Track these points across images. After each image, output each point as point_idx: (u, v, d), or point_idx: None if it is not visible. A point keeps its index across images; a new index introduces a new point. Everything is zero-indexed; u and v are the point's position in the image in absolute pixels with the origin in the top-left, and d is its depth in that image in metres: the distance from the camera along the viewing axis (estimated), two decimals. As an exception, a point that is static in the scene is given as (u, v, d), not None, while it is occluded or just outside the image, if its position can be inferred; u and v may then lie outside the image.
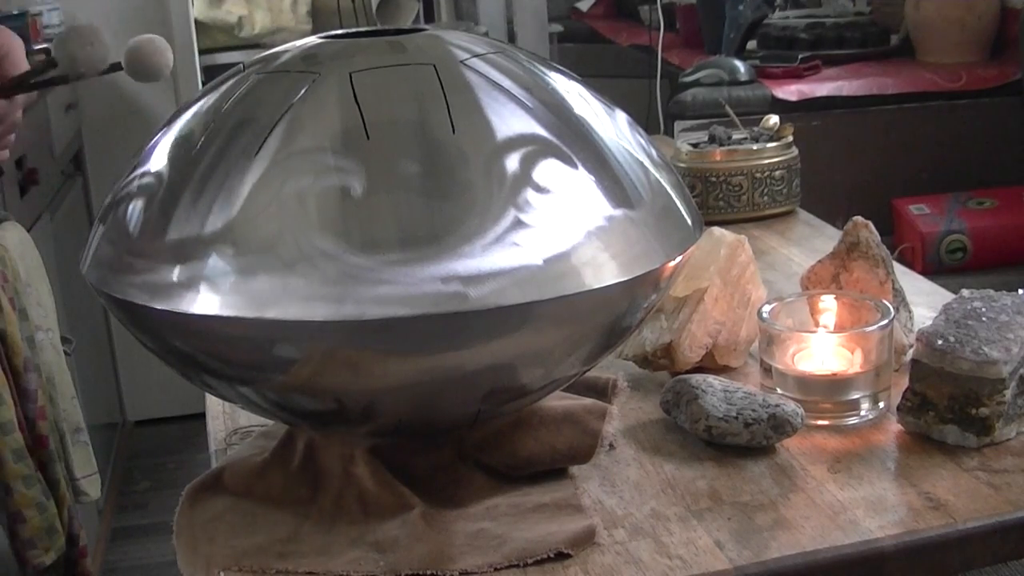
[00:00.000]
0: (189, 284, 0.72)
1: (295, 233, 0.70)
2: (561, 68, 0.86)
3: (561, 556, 0.74)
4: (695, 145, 1.52)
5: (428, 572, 0.73)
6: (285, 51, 0.83)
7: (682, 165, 1.49)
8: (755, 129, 1.54)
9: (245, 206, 0.72)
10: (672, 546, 0.75)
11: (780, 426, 0.85)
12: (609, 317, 0.77)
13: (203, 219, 0.73)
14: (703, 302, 0.97)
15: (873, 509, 0.78)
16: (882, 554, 0.74)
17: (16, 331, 1.30)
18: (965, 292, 0.93)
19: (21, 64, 0.86)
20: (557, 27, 3.27)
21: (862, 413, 0.90)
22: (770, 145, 1.49)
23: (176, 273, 0.72)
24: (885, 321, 0.91)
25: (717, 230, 1.03)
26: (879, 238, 1.02)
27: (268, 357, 0.73)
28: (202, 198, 0.73)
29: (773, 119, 1.54)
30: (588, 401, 0.88)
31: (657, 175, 0.81)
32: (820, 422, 0.89)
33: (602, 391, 0.93)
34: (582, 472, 0.84)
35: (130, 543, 2.36)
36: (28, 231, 1.53)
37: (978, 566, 0.77)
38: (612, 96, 0.86)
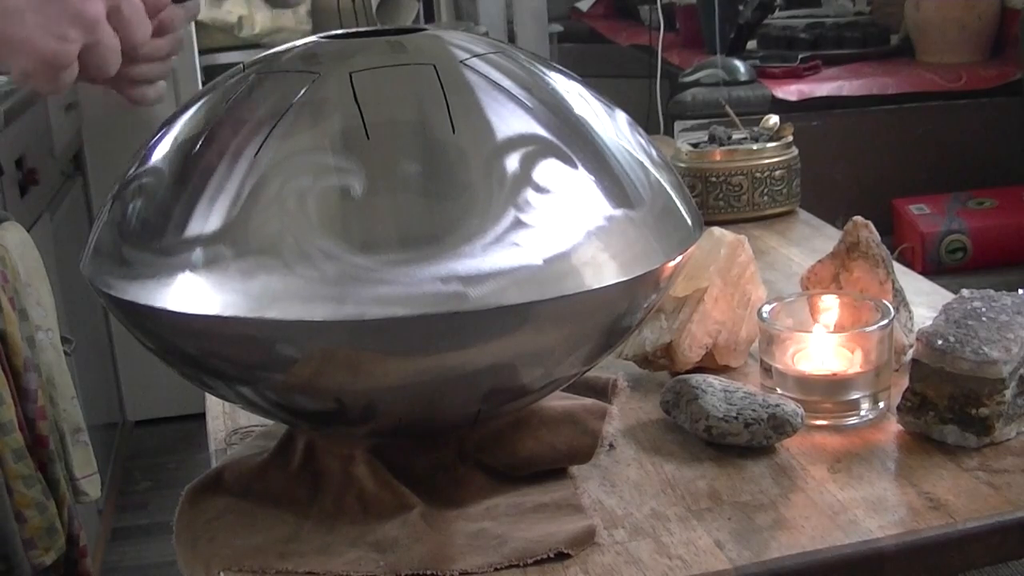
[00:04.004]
0: (189, 284, 0.72)
1: (295, 233, 0.70)
2: (561, 68, 0.86)
3: (561, 556, 0.74)
4: (695, 145, 1.52)
5: (428, 572, 0.73)
6: (285, 51, 0.83)
7: (682, 165, 1.49)
8: (755, 129, 1.54)
9: (245, 206, 0.72)
10: (672, 546, 0.75)
11: (780, 426, 0.85)
12: (609, 317, 0.77)
13: (203, 219, 0.73)
14: (703, 302, 0.97)
15: (873, 509, 0.78)
16: (882, 554, 0.74)
17: (16, 331, 1.30)
18: (965, 292, 0.93)
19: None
20: (557, 27, 3.27)
21: (862, 413, 0.90)
22: (770, 145, 1.49)
23: (176, 273, 0.72)
24: (885, 321, 0.91)
25: (717, 230, 1.03)
26: (879, 238, 1.02)
27: (268, 357, 0.73)
28: (202, 198, 0.73)
29: (773, 119, 1.54)
30: (588, 401, 0.88)
31: (657, 175, 0.81)
32: (820, 422, 0.89)
33: (602, 391, 0.93)
34: (582, 472, 0.84)
35: (130, 543, 2.36)
36: (28, 231, 1.53)
37: (978, 566, 0.77)
38: (612, 96, 0.86)
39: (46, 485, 1.31)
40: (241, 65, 0.83)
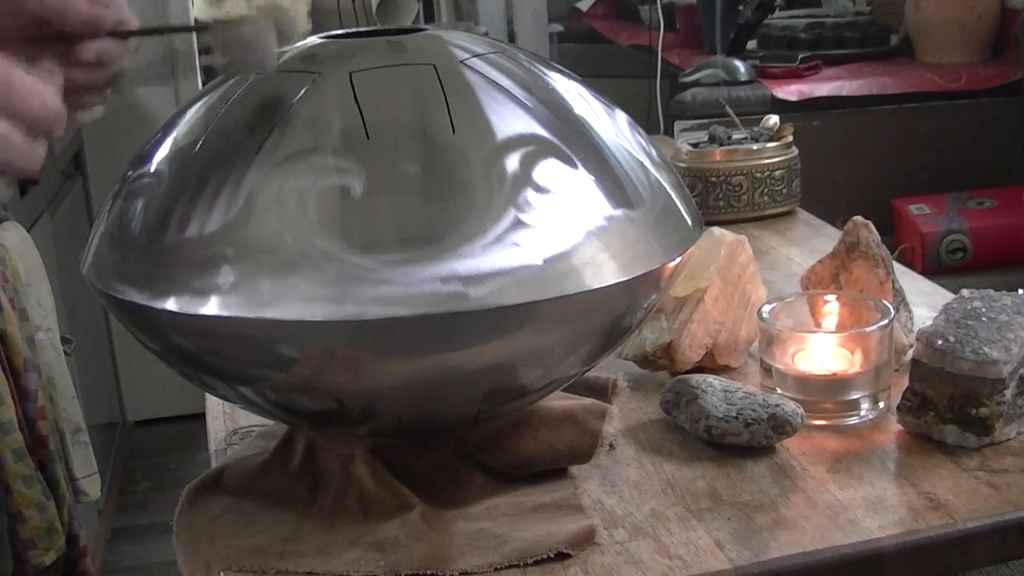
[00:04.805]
0: (189, 284, 0.71)
1: (295, 233, 0.70)
2: (561, 68, 0.86)
3: (561, 556, 0.74)
4: (695, 145, 1.52)
5: (428, 572, 0.73)
6: (285, 51, 0.83)
7: (682, 165, 1.49)
8: (755, 129, 1.54)
9: (245, 206, 0.72)
10: (672, 546, 0.75)
11: (780, 426, 0.85)
12: (609, 317, 0.77)
13: (203, 219, 0.72)
14: (703, 302, 0.97)
15: (873, 509, 0.78)
16: (882, 554, 0.74)
17: (16, 331, 1.30)
18: (965, 292, 0.93)
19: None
20: (557, 27, 3.27)
21: (862, 413, 0.90)
22: (770, 145, 1.49)
23: (176, 273, 0.72)
24: (885, 321, 0.91)
25: (717, 230, 1.03)
26: (879, 238, 1.02)
27: (268, 357, 0.73)
28: (202, 198, 0.73)
29: (773, 119, 1.54)
30: (588, 401, 0.88)
31: (657, 175, 0.81)
32: (820, 422, 0.89)
33: (602, 391, 0.93)
34: (582, 472, 0.84)
35: (130, 543, 2.36)
36: (28, 231, 1.53)
37: (978, 566, 0.77)
38: (612, 96, 0.86)
39: (46, 485, 1.31)
40: (241, 65, 0.83)
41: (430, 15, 3.05)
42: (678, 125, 1.66)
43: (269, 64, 0.75)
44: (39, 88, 0.65)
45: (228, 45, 0.75)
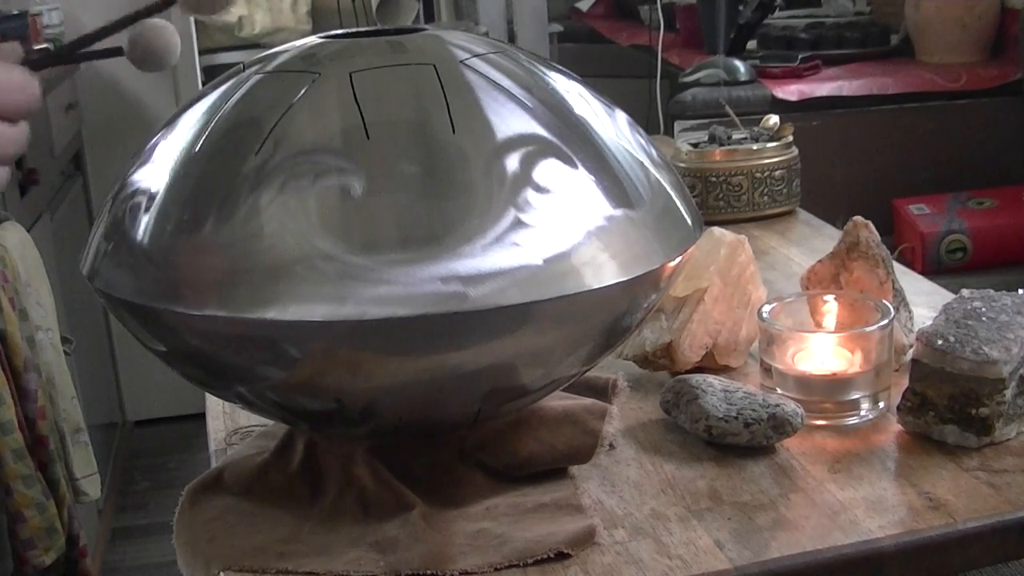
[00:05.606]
0: (189, 284, 0.72)
1: (295, 233, 0.70)
2: (561, 68, 0.86)
3: (561, 556, 0.74)
4: (695, 145, 1.52)
5: (428, 572, 0.73)
6: (285, 51, 0.83)
7: (682, 165, 1.49)
8: (755, 129, 1.54)
9: (245, 207, 0.72)
10: (672, 546, 0.75)
11: (780, 426, 0.85)
12: (609, 317, 0.77)
13: (202, 220, 0.72)
14: (703, 302, 0.97)
15: (873, 509, 0.78)
16: (882, 554, 0.74)
17: (16, 331, 1.30)
18: (965, 292, 0.93)
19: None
20: (557, 27, 3.27)
21: (862, 413, 0.90)
22: (770, 145, 1.49)
23: (175, 273, 0.72)
24: (885, 321, 0.91)
25: (717, 230, 1.03)
26: (879, 238, 1.02)
27: (268, 357, 0.73)
28: (201, 199, 0.73)
29: (773, 119, 1.54)
30: (588, 401, 0.88)
31: (657, 175, 0.81)
32: (820, 422, 0.89)
33: (602, 391, 0.93)
34: (582, 472, 0.84)
35: (130, 543, 2.36)
36: (28, 231, 1.53)
37: (978, 566, 0.77)
38: (612, 96, 0.86)
39: (46, 485, 1.31)
40: (241, 65, 0.83)
41: (430, 15, 3.05)
42: (678, 125, 1.66)
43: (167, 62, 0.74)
44: (5, 71, 0.62)
45: (139, 40, 0.75)
